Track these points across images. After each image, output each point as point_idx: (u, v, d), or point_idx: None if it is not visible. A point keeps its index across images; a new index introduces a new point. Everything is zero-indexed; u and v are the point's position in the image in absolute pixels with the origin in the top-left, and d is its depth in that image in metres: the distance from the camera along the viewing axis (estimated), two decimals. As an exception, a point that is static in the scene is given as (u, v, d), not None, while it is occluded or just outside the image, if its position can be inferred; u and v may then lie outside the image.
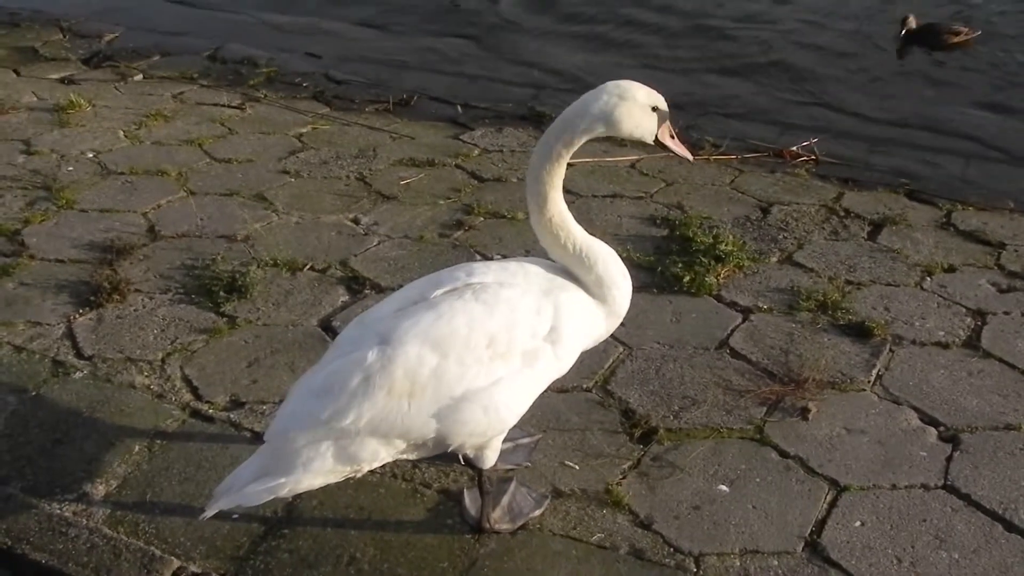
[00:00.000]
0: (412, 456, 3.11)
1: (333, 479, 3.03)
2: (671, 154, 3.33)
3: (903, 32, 9.94)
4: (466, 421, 2.98)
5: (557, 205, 3.20)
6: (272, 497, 2.95)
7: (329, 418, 2.90)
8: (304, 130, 7.14)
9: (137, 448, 3.73)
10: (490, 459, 3.22)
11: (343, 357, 3.01)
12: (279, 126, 7.19)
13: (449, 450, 3.14)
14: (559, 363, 3.17)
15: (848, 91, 8.86)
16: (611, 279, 3.28)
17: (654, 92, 3.18)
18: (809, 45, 10.19)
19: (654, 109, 3.16)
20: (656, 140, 3.22)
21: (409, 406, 2.92)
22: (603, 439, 3.83)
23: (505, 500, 3.42)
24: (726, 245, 5.21)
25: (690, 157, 3.39)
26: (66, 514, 3.40)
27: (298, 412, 2.96)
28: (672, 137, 3.27)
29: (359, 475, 3.08)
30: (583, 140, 3.14)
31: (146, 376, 4.14)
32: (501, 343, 3.01)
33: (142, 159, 6.41)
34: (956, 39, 9.76)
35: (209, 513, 2.97)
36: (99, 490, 3.52)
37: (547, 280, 3.22)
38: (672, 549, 3.31)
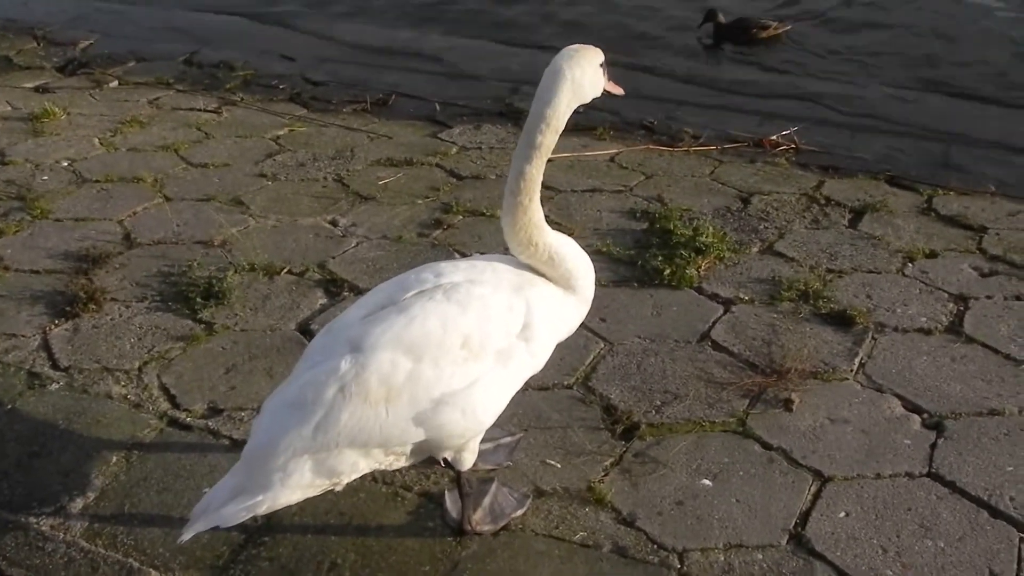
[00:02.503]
0: (391, 466, 3.07)
1: (312, 493, 2.98)
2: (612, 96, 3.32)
3: (703, 24, 9.92)
4: (443, 424, 2.94)
5: (537, 207, 3.15)
6: (250, 516, 2.90)
7: (305, 431, 2.85)
8: (281, 132, 7.09)
9: (115, 459, 3.68)
10: (468, 461, 3.19)
11: (315, 368, 2.96)
12: (256, 129, 7.15)
13: (427, 455, 3.11)
14: (534, 360, 3.14)
15: (827, 78, 8.86)
16: (578, 270, 3.25)
17: (596, 48, 3.16)
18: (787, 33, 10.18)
19: (600, 64, 3.16)
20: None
21: (387, 413, 2.87)
22: (585, 436, 3.80)
23: (487, 501, 3.38)
24: (706, 237, 5.18)
25: (622, 92, 3.33)
26: (43, 528, 3.35)
27: (273, 427, 2.89)
28: (609, 81, 3.24)
29: (339, 488, 3.03)
30: (564, 123, 3.08)
31: (123, 386, 4.10)
32: (475, 342, 2.97)
33: (117, 166, 6.35)
34: (765, 33, 9.78)
35: (186, 536, 2.90)
36: (76, 503, 3.47)
37: (516, 276, 3.18)
38: (655, 546, 3.28)
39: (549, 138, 3.06)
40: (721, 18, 9.86)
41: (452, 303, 3.00)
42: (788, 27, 9.93)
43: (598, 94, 3.19)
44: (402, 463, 3.10)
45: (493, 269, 3.18)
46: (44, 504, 3.46)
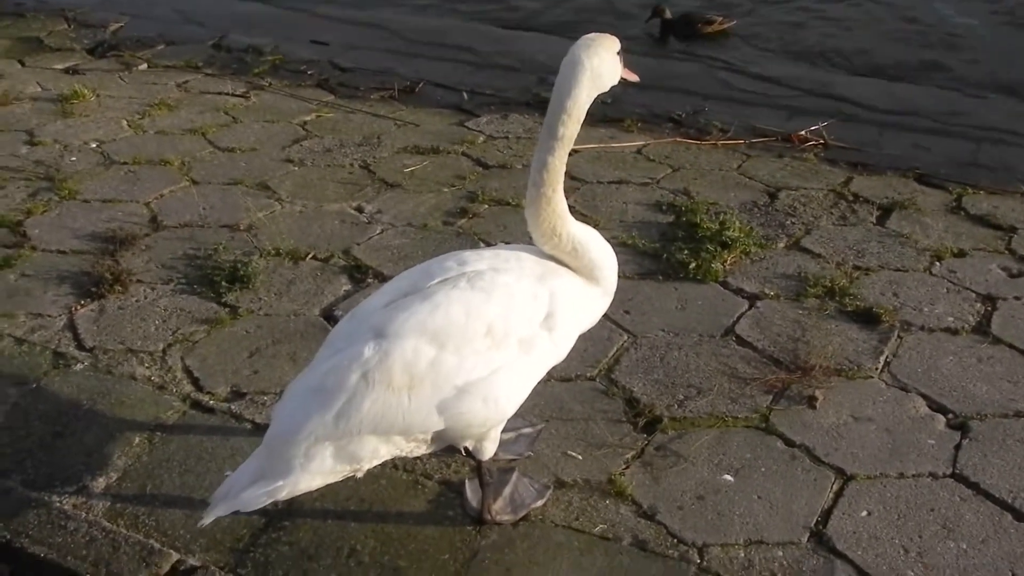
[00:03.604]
0: (411, 453, 3.06)
1: (332, 479, 2.98)
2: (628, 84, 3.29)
3: (650, 19, 9.87)
4: (465, 412, 2.93)
5: (560, 197, 3.14)
6: (271, 500, 2.90)
7: (327, 417, 2.84)
8: (308, 118, 7.10)
9: (137, 440, 3.70)
10: (489, 450, 3.18)
11: (338, 354, 2.96)
12: (283, 114, 7.16)
13: (449, 443, 3.12)
14: (556, 349, 3.13)
15: (857, 75, 8.78)
16: (601, 261, 3.24)
17: (612, 36, 3.13)
18: (818, 27, 10.10)
19: (617, 52, 3.12)
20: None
21: (409, 400, 2.87)
22: (606, 428, 3.79)
23: (507, 491, 3.37)
24: (733, 231, 5.15)
25: (637, 78, 3.29)
26: (65, 507, 3.37)
27: (295, 413, 2.89)
28: (624, 68, 3.20)
29: (359, 475, 3.03)
30: (584, 112, 3.07)
31: (147, 367, 4.12)
32: (499, 331, 2.96)
33: (145, 149, 6.38)
34: (710, 28, 9.77)
35: (207, 520, 2.92)
36: (99, 483, 3.49)
37: (540, 266, 3.17)
38: (675, 540, 3.27)
39: (571, 128, 3.05)
40: (668, 13, 9.85)
41: (476, 291, 2.99)
42: (733, 22, 9.97)
43: (616, 82, 3.16)
44: (423, 450, 3.10)
45: (517, 258, 3.17)
46: (67, 483, 3.48)
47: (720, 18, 9.89)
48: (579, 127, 3.08)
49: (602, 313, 3.36)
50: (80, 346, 4.25)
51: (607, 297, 3.31)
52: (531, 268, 3.14)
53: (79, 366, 4.12)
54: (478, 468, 3.25)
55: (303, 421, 2.87)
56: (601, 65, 3.04)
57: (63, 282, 4.73)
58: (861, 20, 10.37)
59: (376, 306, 3.06)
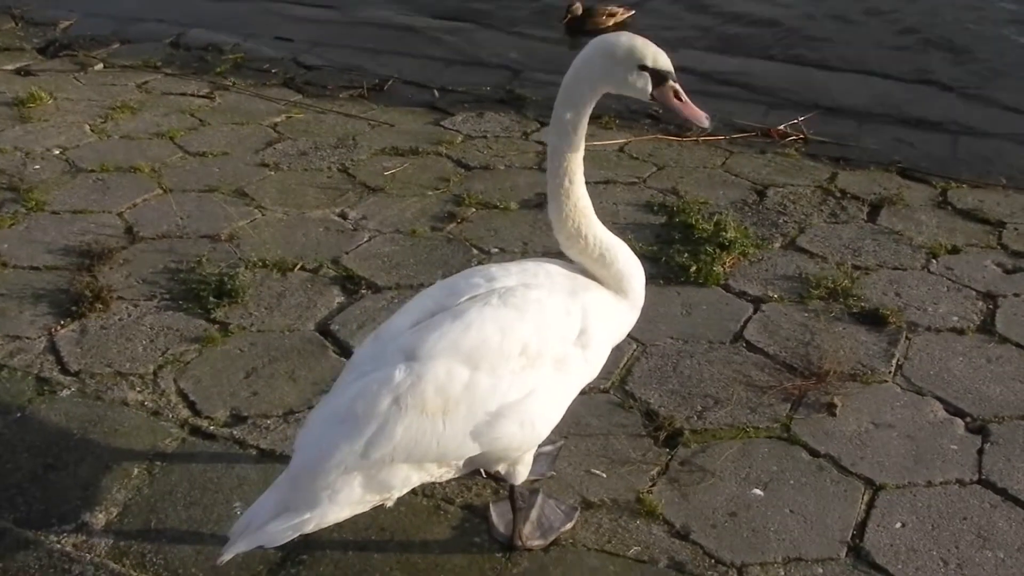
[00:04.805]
0: (440, 479, 2.92)
1: (361, 509, 2.82)
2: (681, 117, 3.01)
3: (566, 19, 9.71)
4: (502, 436, 2.79)
5: (580, 190, 3.00)
6: (296, 535, 2.73)
7: (358, 446, 2.68)
8: (279, 119, 6.87)
9: (136, 471, 3.49)
10: (523, 474, 3.05)
11: (365, 377, 2.79)
12: (252, 116, 6.92)
13: (479, 468, 2.98)
14: (589, 367, 3.01)
15: (830, 68, 8.73)
16: (630, 271, 3.11)
17: (648, 48, 2.86)
18: (789, 21, 10.06)
19: (643, 68, 2.88)
20: (653, 98, 2.92)
21: (444, 425, 2.71)
22: (627, 443, 3.67)
23: (534, 514, 3.24)
24: (730, 232, 5.05)
25: (704, 123, 2.98)
26: (66, 548, 3.16)
27: (322, 442, 2.72)
28: (678, 99, 2.93)
29: (388, 503, 2.88)
30: (590, 103, 2.92)
31: (139, 391, 3.90)
32: (533, 349, 2.82)
33: (112, 155, 6.11)
34: (611, 20, 9.70)
35: (227, 556, 2.74)
36: (99, 519, 3.28)
37: (570, 280, 3.04)
38: (713, 560, 3.16)
39: (573, 117, 2.91)
40: (578, 10, 9.70)
41: (509, 308, 2.85)
42: (631, 13, 9.86)
43: (636, 95, 2.92)
44: (451, 475, 2.96)
45: (546, 272, 3.03)
46: (64, 521, 3.28)
47: (620, 9, 9.80)
48: (580, 116, 2.92)
49: (630, 328, 3.24)
50: (64, 370, 4.02)
51: (635, 311, 3.19)
52: (561, 283, 3.00)
53: (66, 392, 3.90)
54: (511, 492, 3.11)
55: (331, 450, 2.71)
56: (599, 67, 2.87)
57: (39, 301, 4.48)
58: (828, 12, 10.33)
59: (402, 326, 2.90)
